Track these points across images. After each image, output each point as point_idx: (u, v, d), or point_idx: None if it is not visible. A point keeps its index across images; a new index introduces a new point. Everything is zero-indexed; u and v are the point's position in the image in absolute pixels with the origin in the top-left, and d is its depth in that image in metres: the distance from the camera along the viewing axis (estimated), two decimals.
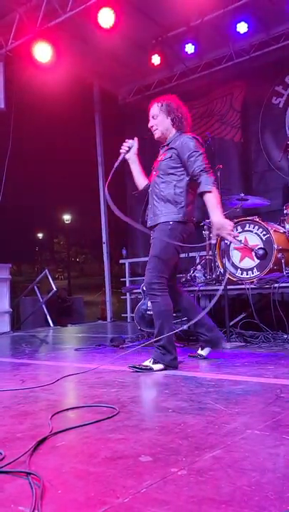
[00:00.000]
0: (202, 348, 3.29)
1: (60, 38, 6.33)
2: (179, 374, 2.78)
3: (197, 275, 4.88)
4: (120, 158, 3.22)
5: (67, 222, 29.74)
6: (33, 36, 6.26)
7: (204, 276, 4.93)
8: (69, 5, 5.74)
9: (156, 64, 7.02)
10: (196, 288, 4.69)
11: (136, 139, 3.22)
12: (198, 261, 6.06)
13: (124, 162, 3.26)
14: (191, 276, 4.95)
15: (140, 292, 4.58)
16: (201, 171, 2.89)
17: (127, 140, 3.23)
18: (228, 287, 4.16)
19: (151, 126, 3.19)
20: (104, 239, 8.63)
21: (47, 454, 1.48)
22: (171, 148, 3.04)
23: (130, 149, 3.23)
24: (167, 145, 3.10)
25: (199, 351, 3.29)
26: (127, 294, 7.99)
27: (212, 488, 1.19)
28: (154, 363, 2.89)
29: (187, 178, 2.98)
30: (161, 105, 3.13)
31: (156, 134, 3.18)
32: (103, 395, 2.29)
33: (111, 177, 3.13)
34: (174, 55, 7.06)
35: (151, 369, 2.86)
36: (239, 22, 6.14)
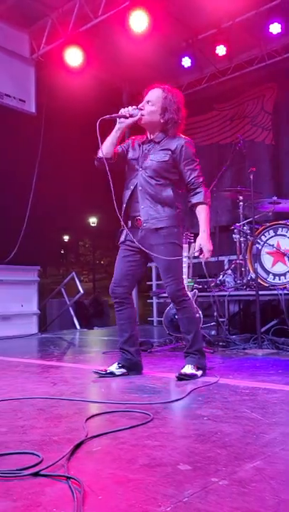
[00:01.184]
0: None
1: (91, 42, 6.38)
2: (211, 381, 2.74)
3: (227, 280, 4.82)
4: (116, 114, 2.88)
5: (92, 225, 29.97)
6: (64, 41, 6.34)
7: (234, 281, 4.87)
8: (100, 9, 5.79)
9: (186, 66, 7.01)
10: (226, 293, 4.63)
11: (140, 113, 2.86)
12: (226, 265, 6.00)
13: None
14: (220, 280, 4.89)
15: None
16: (201, 182, 2.87)
17: (135, 107, 2.89)
18: (260, 293, 4.08)
19: (141, 109, 2.88)
20: None
21: (84, 458, 1.47)
22: (167, 149, 2.85)
23: (130, 118, 2.88)
24: (158, 142, 2.90)
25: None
26: (154, 297, 7.97)
27: (256, 500, 1.15)
28: (197, 369, 2.85)
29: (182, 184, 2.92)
30: (165, 97, 2.87)
31: (141, 120, 2.87)
32: (136, 400, 2.27)
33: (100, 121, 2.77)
34: (205, 58, 7.02)
35: (195, 376, 2.79)
36: (272, 23, 6.05)
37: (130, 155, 2.97)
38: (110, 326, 8.48)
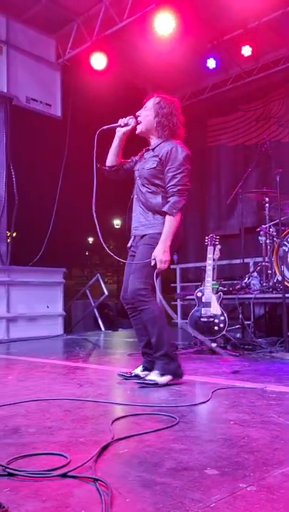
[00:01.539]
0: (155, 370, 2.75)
1: (116, 45, 6.43)
2: (237, 385, 2.72)
3: (253, 282, 4.77)
4: (113, 124, 2.96)
5: (117, 226, 30.12)
6: (90, 45, 6.41)
7: (260, 283, 4.81)
8: (126, 13, 5.83)
9: (211, 68, 6.98)
10: (252, 296, 4.59)
11: (134, 120, 2.91)
12: (252, 267, 5.94)
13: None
14: (246, 283, 4.84)
15: (194, 298, 4.53)
16: (176, 191, 2.74)
17: (132, 116, 2.94)
18: (287, 295, 4.02)
19: (138, 116, 2.94)
20: None
21: (111, 460, 1.48)
22: (156, 156, 2.83)
23: (126, 127, 2.94)
24: (152, 149, 2.89)
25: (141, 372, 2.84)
26: (178, 299, 7.95)
27: (285, 507, 1.14)
28: (160, 375, 2.66)
29: None
30: (158, 102, 2.89)
31: (138, 128, 2.93)
32: (161, 403, 2.27)
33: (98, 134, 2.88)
34: (230, 58, 6.99)
35: (156, 383, 2.63)
36: None
37: (136, 166, 3.02)
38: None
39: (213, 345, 4.19)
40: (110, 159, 3.01)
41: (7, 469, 1.36)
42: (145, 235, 2.82)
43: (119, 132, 2.97)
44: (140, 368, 2.93)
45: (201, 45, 6.86)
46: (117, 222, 30.11)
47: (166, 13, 5.59)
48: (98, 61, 6.46)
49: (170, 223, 2.73)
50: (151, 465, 1.42)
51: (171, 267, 8.62)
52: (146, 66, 7.30)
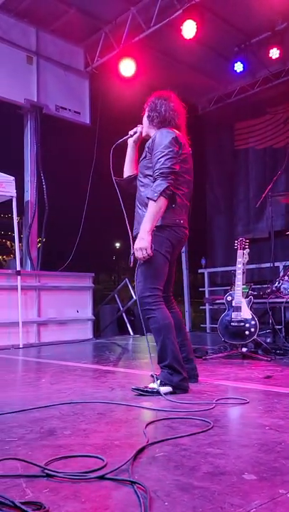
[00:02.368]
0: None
1: (143, 52, 6.48)
2: (271, 390, 2.68)
3: (284, 286, 4.70)
4: (124, 137, 3.03)
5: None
6: (117, 53, 6.48)
7: None
8: (153, 20, 5.87)
9: (238, 71, 6.95)
10: (283, 300, 4.52)
11: (141, 127, 2.97)
12: (282, 271, 5.85)
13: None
14: (276, 287, 4.77)
15: (223, 303, 4.50)
16: (159, 174, 2.55)
17: (139, 125, 3.00)
18: None
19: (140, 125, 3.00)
20: (183, 248, 8.63)
21: (147, 463, 1.48)
22: (146, 147, 2.78)
23: (134, 134, 2.99)
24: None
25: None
26: (207, 304, 7.91)
27: None
28: (162, 384, 2.54)
29: None
30: (152, 101, 2.87)
31: (142, 133, 2.96)
32: (194, 407, 2.26)
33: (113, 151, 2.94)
34: (257, 61, 6.94)
35: (158, 392, 2.50)
36: None
37: None
38: None
39: (244, 349, 4.15)
40: (126, 170, 3.04)
41: (45, 470, 1.38)
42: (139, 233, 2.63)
43: (130, 142, 3.03)
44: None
45: (228, 48, 6.84)
46: None
47: (190, 19, 5.60)
48: (126, 68, 6.52)
49: (151, 208, 2.53)
50: (188, 469, 1.42)
51: (199, 271, 8.60)
52: (173, 72, 7.33)
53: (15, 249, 6.02)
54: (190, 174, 2.84)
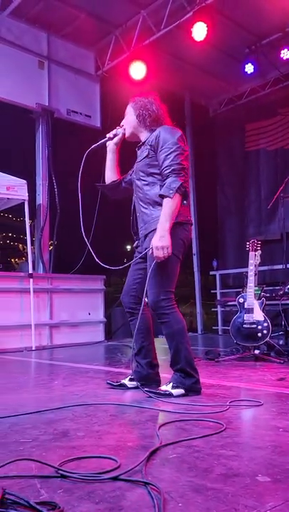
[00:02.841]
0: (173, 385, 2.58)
1: (153, 54, 6.50)
2: (284, 392, 2.66)
3: None
4: (102, 140, 2.95)
5: None
6: (128, 56, 6.51)
7: None
8: (163, 22, 5.89)
9: (249, 72, 6.94)
10: None
11: (123, 128, 2.88)
12: None
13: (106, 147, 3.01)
14: None
15: (235, 305, 4.48)
16: (170, 171, 2.51)
17: (118, 127, 2.92)
18: None
19: (122, 125, 2.92)
20: (194, 250, 8.62)
21: (160, 465, 1.48)
22: (146, 144, 2.71)
23: (114, 137, 2.92)
24: (143, 144, 2.78)
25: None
26: (218, 306, 7.88)
27: None
28: (174, 387, 2.54)
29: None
30: (133, 102, 2.84)
31: (126, 134, 2.87)
32: (207, 409, 2.25)
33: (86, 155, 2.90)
34: (268, 62, 6.92)
35: (170, 394, 2.50)
36: None
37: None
38: None
39: (257, 351, 4.13)
40: (108, 176, 2.97)
41: (59, 471, 1.39)
42: (150, 232, 2.62)
43: (110, 145, 2.95)
44: (129, 377, 2.85)
45: (238, 50, 6.84)
46: None
47: (200, 21, 5.61)
48: (136, 71, 6.55)
49: (168, 205, 2.48)
50: (201, 470, 1.42)
51: (211, 273, 8.58)
52: (184, 74, 7.35)
53: (27, 252, 6.07)
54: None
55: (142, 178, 2.70)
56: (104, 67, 7.10)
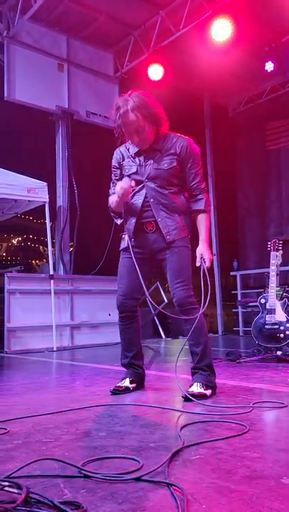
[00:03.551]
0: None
1: (172, 55, 6.50)
2: None
3: None
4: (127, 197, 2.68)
5: None
6: (146, 57, 6.52)
7: None
8: (182, 22, 5.88)
9: (269, 71, 6.87)
10: None
11: (130, 181, 2.62)
12: None
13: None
14: None
15: (257, 305, 4.43)
16: (202, 188, 2.73)
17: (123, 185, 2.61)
18: None
19: (138, 139, 2.63)
20: (214, 251, 8.57)
21: (183, 466, 1.47)
22: (171, 154, 2.64)
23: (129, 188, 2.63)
24: (158, 149, 2.66)
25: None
26: (239, 307, 7.81)
27: None
28: (206, 388, 2.54)
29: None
30: (137, 111, 2.55)
31: (146, 145, 2.67)
32: (229, 410, 2.23)
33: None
34: None
35: (205, 396, 2.48)
36: None
37: (126, 172, 2.75)
38: None
39: (279, 353, 4.07)
40: (118, 207, 2.75)
41: (82, 471, 1.40)
42: (176, 239, 2.65)
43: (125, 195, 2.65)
44: (128, 380, 2.81)
45: (258, 48, 6.77)
46: None
47: (222, 19, 5.58)
48: (155, 72, 6.56)
49: (208, 221, 2.76)
50: (225, 472, 1.40)
51: (231, 273, 8.51)
52: (203, 74, 7.31)
53: (48, 254, 6.13)
54: None
55: (166, 186, 2.67)
56: (123, 69, 7.12)
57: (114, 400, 2.55)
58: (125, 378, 2.82)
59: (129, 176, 2.71)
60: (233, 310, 8.52)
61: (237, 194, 8.75)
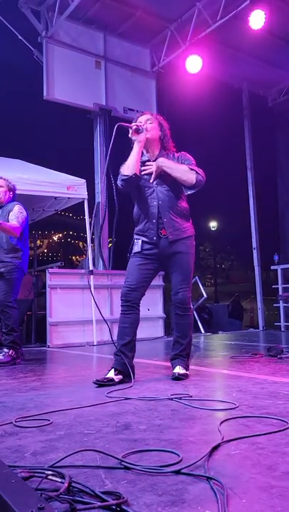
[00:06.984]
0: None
1: (209, 47, 6.42)
2: None
3: None
4: (132, 125, 3.08)
5: (213, 229, 29.91)
6: (184, 50, 6.47)
7: None
8: (219, 13, 5.80)
9: None
10: None
11: (146, 129, 3.06)
12: None
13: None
14: None
15: None
16: (195, 169, 2.99)
17: (139, 123, 3.09)
18: None
19: (145, 125, 3.07)
20: (254, 245, 8.43)
21: (223, 461, 1.47)
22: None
23: (139, 129, 3.04)
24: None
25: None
26: (281, 301, 7.67)
27: None
28: (186, 369, 3.12)
29: (188, 192, 3.07)
30: (156, 116, 3.19)
31: (147, 135, 3.06)
32: (270, 406, 2.20)
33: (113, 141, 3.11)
34: None
35: (187, 375, 3.07)
36: None
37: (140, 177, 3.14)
38: (234, 330, 8.35)
39: None
40: (132, 169, 3.04)
41: (123, 463, 1.42)
42: (183, 238, 3.06)
43: (138, 140, 3.05)
44: (112, 371, 2.97)
45: None
46: (213, 225, 29.91)
47: (259, 9, 5.46)
48: (193, 64, 6.50)
49: (181, 167, 3.01)
50: (265, 468, 1.39)
51: (272, 267, 8.35)
52: (241, 65, 7.19)
53: (87, 250, 6.22)
54: None
55: (173, 191, 3.07)
56: (160, 63, 7.10)
57: (154, 393, 2.57)
58: (110, 370, 2.99)
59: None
60: (275, 305, 8.37)
61: (278, 186, 8.57)
